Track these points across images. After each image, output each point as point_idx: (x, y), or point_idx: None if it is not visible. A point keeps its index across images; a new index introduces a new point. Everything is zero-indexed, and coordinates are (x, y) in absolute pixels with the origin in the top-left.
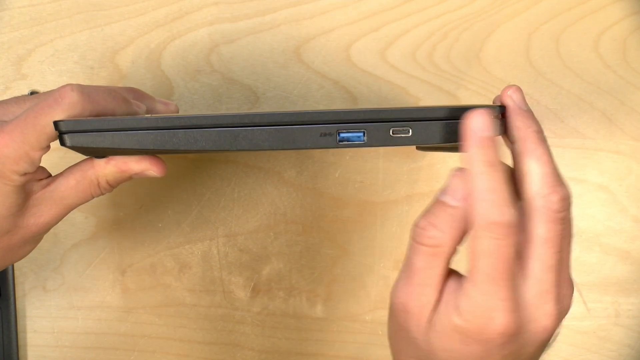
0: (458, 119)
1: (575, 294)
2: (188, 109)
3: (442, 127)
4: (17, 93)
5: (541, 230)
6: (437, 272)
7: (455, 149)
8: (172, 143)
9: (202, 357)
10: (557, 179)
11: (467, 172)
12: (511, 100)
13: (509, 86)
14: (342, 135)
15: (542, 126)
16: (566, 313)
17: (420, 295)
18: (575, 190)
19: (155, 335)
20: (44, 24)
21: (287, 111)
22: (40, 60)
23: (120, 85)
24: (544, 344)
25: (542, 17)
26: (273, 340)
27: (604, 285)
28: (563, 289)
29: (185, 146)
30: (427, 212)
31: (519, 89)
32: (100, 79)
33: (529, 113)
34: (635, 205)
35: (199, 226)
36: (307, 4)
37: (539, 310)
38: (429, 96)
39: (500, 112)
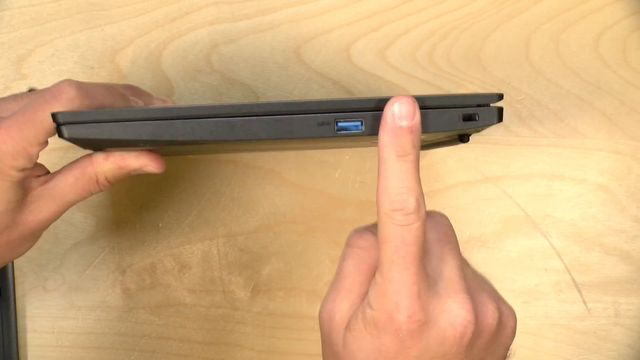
0: (457, 107)
1: (576, 294)
2: None
3: (441, 115)
4: (16, 92)
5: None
6: (365, 278)
7: (454, 140)
8: (170, 133)
9: (202, 357)
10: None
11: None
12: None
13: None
14: (340, 124)
15: (543, 126)
16: (493, 318)
17: (345, 301)
18: (575, 190)
19: (155, 335)
20: (44, 24)
21: (284, 101)
22: (40, 60)
23: None
24: (467, 343)
25: (542, 17)
26: (273, 340)
27: (604, 285)
28: (474, 289)
29: (182, 137)
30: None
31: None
32: (100, 79)
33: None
34: (635, 205)
35: (199, 226)
36: (307, 4)
37: (451, 301)
38: None
39: (498, 99)
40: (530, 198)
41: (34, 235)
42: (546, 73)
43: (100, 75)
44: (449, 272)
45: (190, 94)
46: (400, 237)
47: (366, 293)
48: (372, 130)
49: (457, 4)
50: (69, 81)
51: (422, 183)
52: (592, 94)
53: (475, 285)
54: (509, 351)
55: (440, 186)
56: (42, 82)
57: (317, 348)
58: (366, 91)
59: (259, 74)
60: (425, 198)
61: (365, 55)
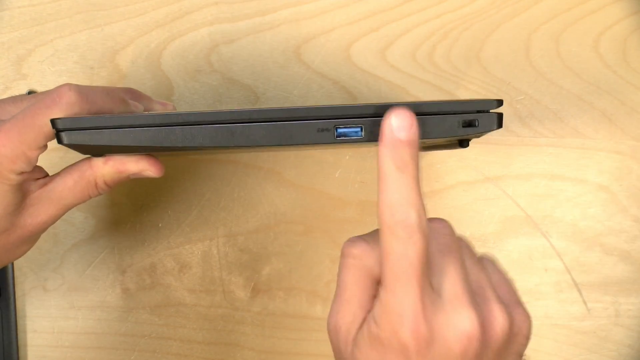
0: (457, 114)
1: (576, 294)
2: (188, 109)
3: (441, 122)
4: (16, 93)
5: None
6: (364, 288)
7: (454, 145)
8: (170, 140)
9: (202, 357)
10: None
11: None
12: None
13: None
14: (339, 130)
15: (543, 126)
16: (501, 327)
17: (348, 312)
18: (575, 190)
19: (155, 335)
20: (44, 24)
21: (284, 107)
22: (40, 60)
23: (119, 85)
24: (474, 356)
25: (542, 17)
26: (273, 340)
27: (604, 285)
28: (481, 298)
29: (182, 143)
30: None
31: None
32: (100, 79)
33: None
34: (636, 205)
35: (199, 226)
36: (307, 4)
37: (455, 314)
38: (429, 96)
39: (498, 106)
40: (530, 198)
41: (33, 237)
42: (546, 73)
43: (100, 76)
44: (452, 284)
45: (190, 94)
46: (402, 251)
47: (367, 302)
48: (372, 137)
49: (457, 4)
50: (69, 85)
51: (422, 183)
52: (592, 94)
53: (484, 293)
54: (523, 356)
55: (440, 186)
56: (41, 82)
57: (317, 348)
58: (366, 91)
59: (259, 74)
60: (425, 199)
61: (365, 55)
